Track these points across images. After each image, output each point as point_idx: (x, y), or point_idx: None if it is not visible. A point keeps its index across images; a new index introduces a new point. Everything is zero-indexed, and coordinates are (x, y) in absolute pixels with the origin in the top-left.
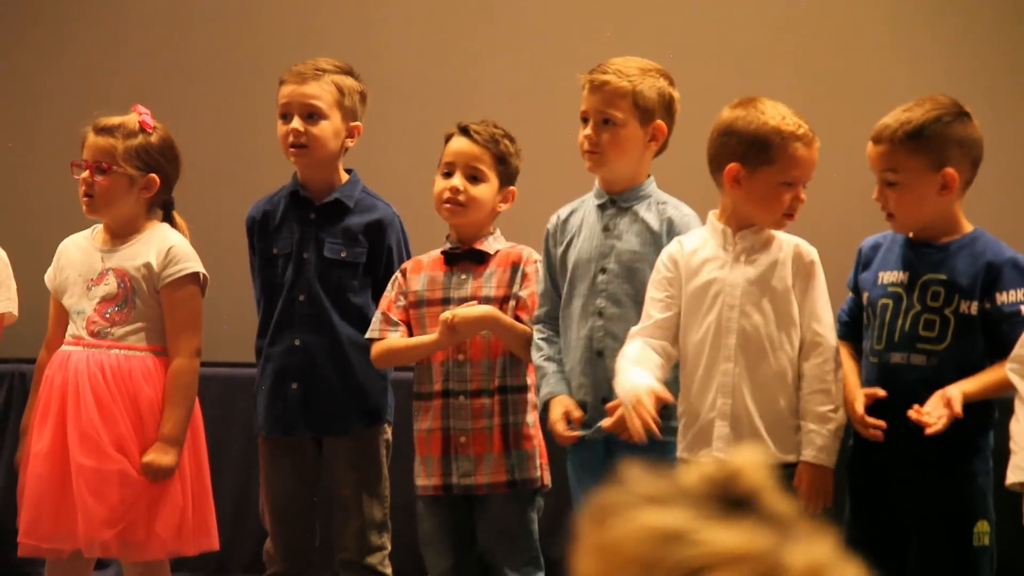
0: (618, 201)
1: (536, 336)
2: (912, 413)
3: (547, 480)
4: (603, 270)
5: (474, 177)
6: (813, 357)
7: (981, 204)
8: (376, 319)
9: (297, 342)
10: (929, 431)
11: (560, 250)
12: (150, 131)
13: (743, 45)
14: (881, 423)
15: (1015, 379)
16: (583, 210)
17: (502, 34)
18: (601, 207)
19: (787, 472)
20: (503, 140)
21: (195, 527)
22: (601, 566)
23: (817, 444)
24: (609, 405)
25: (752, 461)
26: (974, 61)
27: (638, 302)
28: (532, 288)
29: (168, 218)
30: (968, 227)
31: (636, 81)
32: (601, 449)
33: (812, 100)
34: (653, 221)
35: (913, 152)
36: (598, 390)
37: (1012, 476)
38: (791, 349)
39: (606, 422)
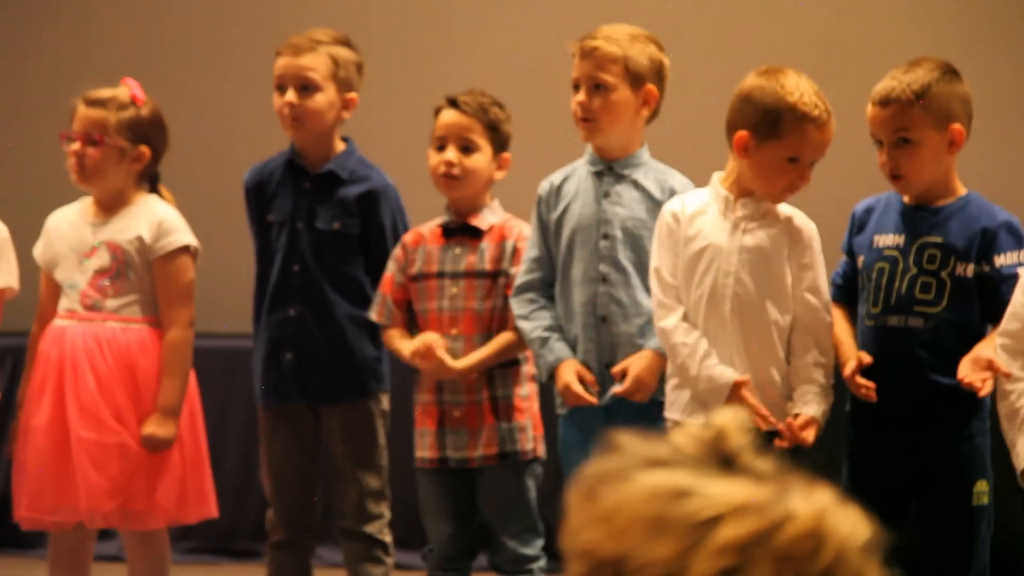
0: (615, 168)
1: (527, 307)
2: (963, 379)
3: (540, 451)
4: (605, 236)
5: (467, 148)
6: (810, 331)
7: (975, 166)
8: (376, 299)
9: (292, 312)
10: (982, 394)
11: (555, 216)
12: (141, 104)
13: (738, 15)
14: (871, 384)
15: (1003, 355)
16: (576, 176)
17: (496, 2)
18: (598, 174)
19: (769, 439)
20: (492, 108)
21: (193, 495)
22: (604, 532)
23: (823, 408)
24: (615, 369)
25: (733, 420)
26: (968, 20)
27: (640, 268)
28: None
29: (155, 191)
30: (962, 190)
31: (626, 46)
32: (601, 416)
33: (812, 62)
34: (654, 189)
35: (924, 110)
36: (602, 355)
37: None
38: (782, 320)
39: (618, 388)
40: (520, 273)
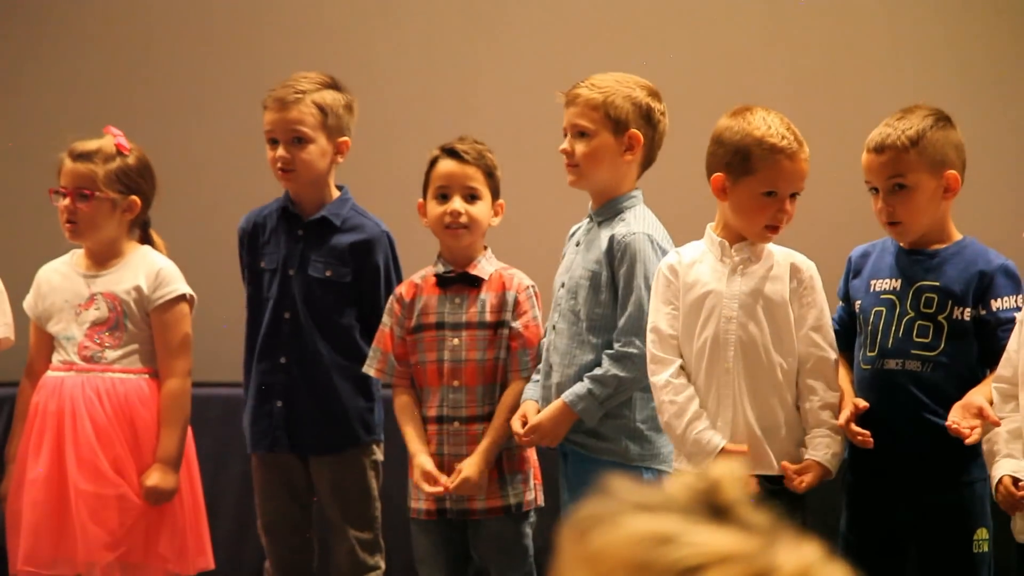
0: (594, 217)
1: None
2: (950, 425)
3: (540, 500)
4: (562, 285)
5: (471, 196)
6: (818, 371)
7: (973, 210)
8: (374, 355)
9: (282, 360)
10: (968, 442)
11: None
12: (127, 153)
13: (737, 56)
14: (866, 432)
15: (997, 399)
16: (583, 226)
17: (495, 50)
18: (588, 222)
19: (777, 485)
20: (487, 154)
21: (190, 546)
22: (589, 574)
23: (833, 450)
24: (522, 417)
25: (730, 473)
26: (965, 68)
27: (580, 319)
28: (528, 317)
29: (146, 237)
30: (957, 235)
31: (608, 92)
32: (560, 457)
33: (806, 110)
34: (604, 239)
35: (919, 156)
36: (547, 403)
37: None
38: (787, 362)
39: (515, 424)
40: (535, 337)
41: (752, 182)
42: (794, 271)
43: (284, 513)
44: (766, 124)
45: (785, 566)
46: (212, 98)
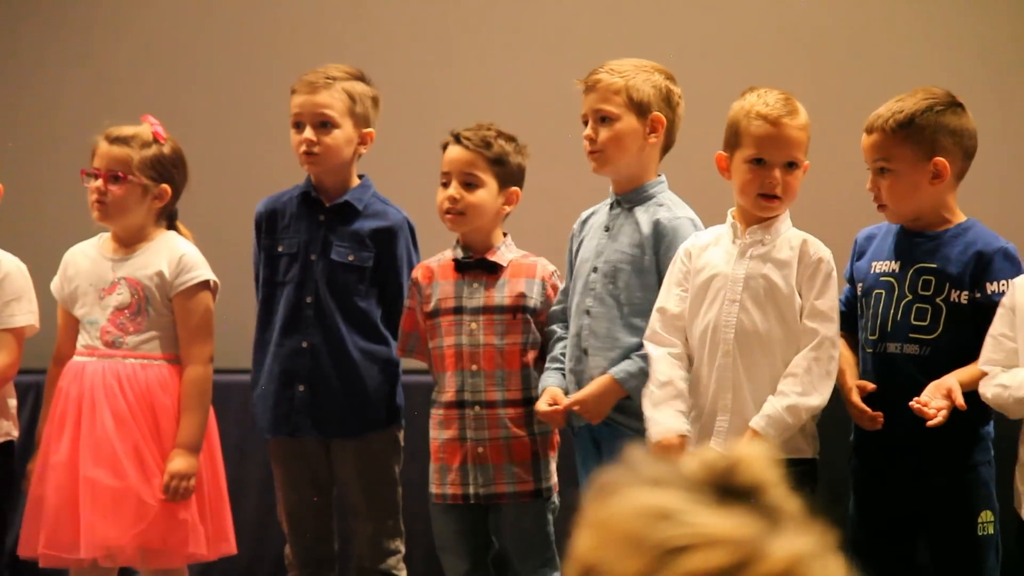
0: (622, 201)
1: (551, 337)
2: (913, 404)
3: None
4: (595, 269)
5: (470, 183)
6: (803, 349)
7: (984, 195)
8: (402, 338)
9: (304, 344)
10: (931, 424)
11: (576, 248)
12: (163, 142)
13: (750, 44)
14: (878, 413)
15: (999, 378)
16: (601, 211)
17: (515, 38)
18: (611, 207)
19: (788, 470)
20: (497, 141)
21: (212, 532)
22: (595, 540)
23: (765, 412)
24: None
25: (755, 454)
26: (978, 55)
27: (620, 303)
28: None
29: (172, 227)
30: (961, 217)
31: (629, 76)
32: (588, 439)
33: (821, 97)
34: (645, 223)
35: (904, 141)
36: (581, 387)
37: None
38: (791, 347)
39: (562, 406)
40: (553, 304)
41: (740, 153)
42: (803, 255)
43: (304, 499)
44: (758, 97)
45: (773, 555)
46: (232, 91)
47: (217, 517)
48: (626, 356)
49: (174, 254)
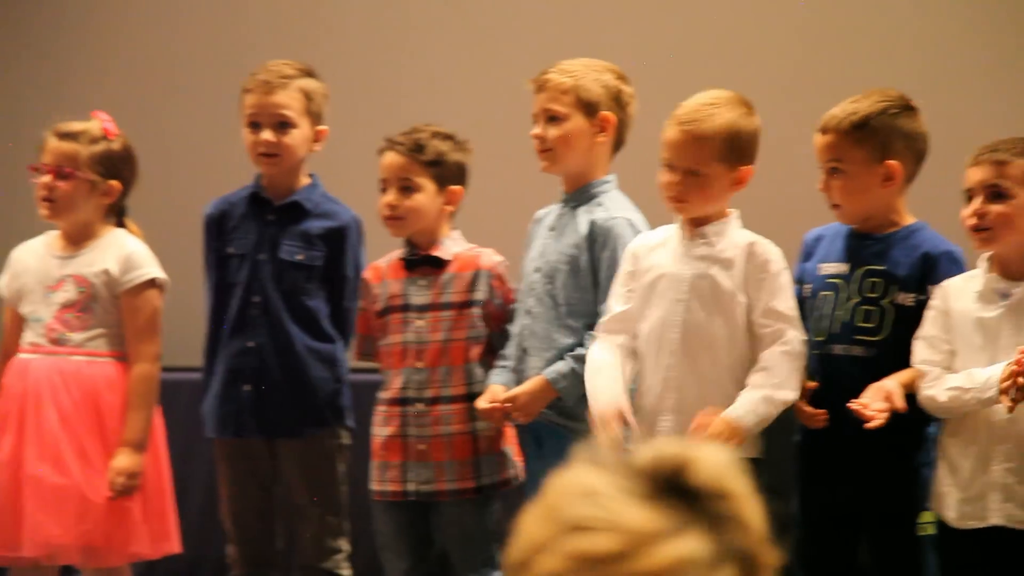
0: (569, 201)
1: (507, 334)
2: (853, 405)
3: (521, 475)
4: (537, 269)
5: (407, 188)
6: (776, 346)
7: (934, 197)
8: (355, 340)
9: (251, 344)
10: (869, 426)
11: (529, 247)
12: (112, 138)
13: (701, 45)
14: (822, 412)
15: (943, 379)
16: (554, 211)
17: (466, 38)
18: (560, 206)
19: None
20: (431, 142)
21: (156, 531)
22: (531, 513)
23: (741, 403)
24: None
25: (713, 458)
26: (929, 56)
27: (558, 303)
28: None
29: (121, 225)
30: (909, 219)
31: (578, 76)
32: (531, 439)
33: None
34: (583, 223)
35: (858, 143)
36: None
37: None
38: (743, 345)
39: (495, 405)
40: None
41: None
42: (749, 256)
43: (248, 498)
44: (691, 98)
45: (658, 554)
46: (182, 87)
47: (160, 515)
48: (561, 357)
49: (122, 251)
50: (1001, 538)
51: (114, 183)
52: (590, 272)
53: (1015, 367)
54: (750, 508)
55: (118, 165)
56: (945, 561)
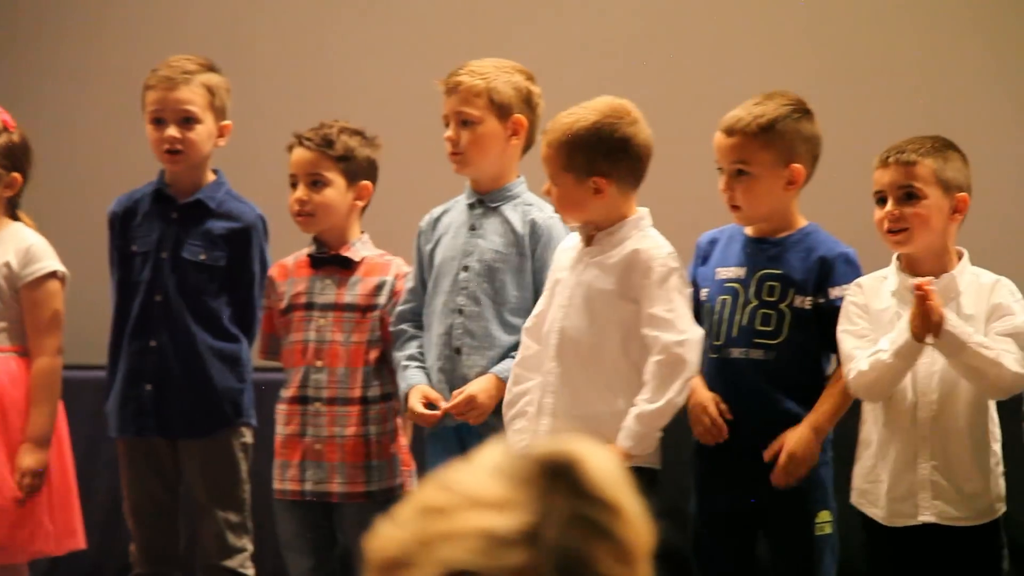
0: (485, 201)
1: (399, 337)
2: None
3: (410, 486)
4: (465, 268)
5: (318, 183)
6: (651, 356)
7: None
8: (261, 339)
9: (152, 343)
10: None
11: (429, 248)
12: (12, 130)
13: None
14: (723, 427)
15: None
16: (455, 210)
17: (374, 35)
18: (471, 206)
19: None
20: (340, 138)
21: (60, 527)
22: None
23: (624, 425)
24: (455, 393)
25: (600, 460)
26: (820, 59)
27: (496, 301)
28: None
29: (15, 218)
30: (803, 222)
31: (490, 78)
32: (454, 439)
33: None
34: (517, 222)
35: (765, 145)
36: (454, 387)
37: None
38: (626, 352)
39: (447, 404)
40: (399, 303)
41: None
42: (633, 262)
43: (150, 496)
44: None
45: (470, 519)
46: (85, 83)
47: (65, 511)
48: (505, 355)
49: (21, 244)
50: (932, 535)
51: (16, 175)
52: (530, 270)
53: (919, 292)
54: (623, 517)
55: (19, 157)
56: (874, 559)
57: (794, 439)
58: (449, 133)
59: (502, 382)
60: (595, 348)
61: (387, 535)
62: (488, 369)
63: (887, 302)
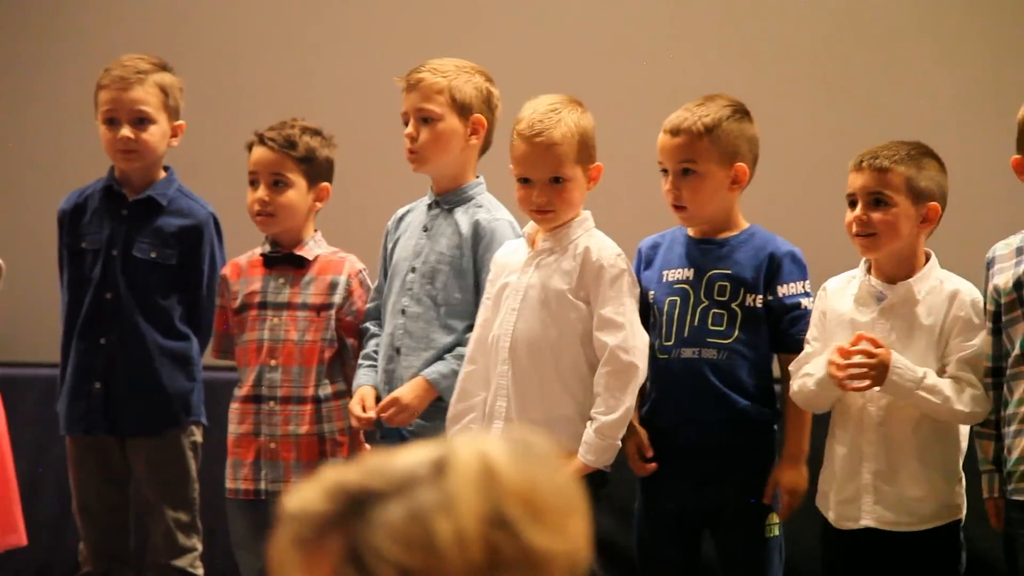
0: (441, 202)
1: (364, 335)
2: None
3: None
4: (413, 269)
5: (278, 183)
6: (600, 366)
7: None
8: (214, 338)
9: (102, 340)
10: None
11: (391, 247)
12: None
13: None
14: (652, 465)
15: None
16: (417, 210)
17: (334, 32)
18: (429, 207)
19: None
20: (302, 138)
21: (1, 524)
22: None
23: (584, 440)
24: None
25: (544, 453)
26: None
27: (438, 303)
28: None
29: None
30: (744, 223)
31: (451, 76)
32: (399, 442)
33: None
34: (463, 223)
35: (711, 145)
36: (392, 387)
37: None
38: (580, 354)
39: (377, 408)
40: (368, 301)
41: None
42: (585, 262)
43: (99, 495)
44: (528, 110)
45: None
46: (36, 81)
47: (4, 508)
48: (439, 357)
49: None
50: (878, 539)
51: None
52: (472, 272)
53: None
54: (553, 518)
55: None
56: (827, 561)
57: (787, 479)
58: (409, 130)
59: (431, 384)
60: (554, 348)
61: (307, 500)
62: (421, 371)
63: (846, 306)
